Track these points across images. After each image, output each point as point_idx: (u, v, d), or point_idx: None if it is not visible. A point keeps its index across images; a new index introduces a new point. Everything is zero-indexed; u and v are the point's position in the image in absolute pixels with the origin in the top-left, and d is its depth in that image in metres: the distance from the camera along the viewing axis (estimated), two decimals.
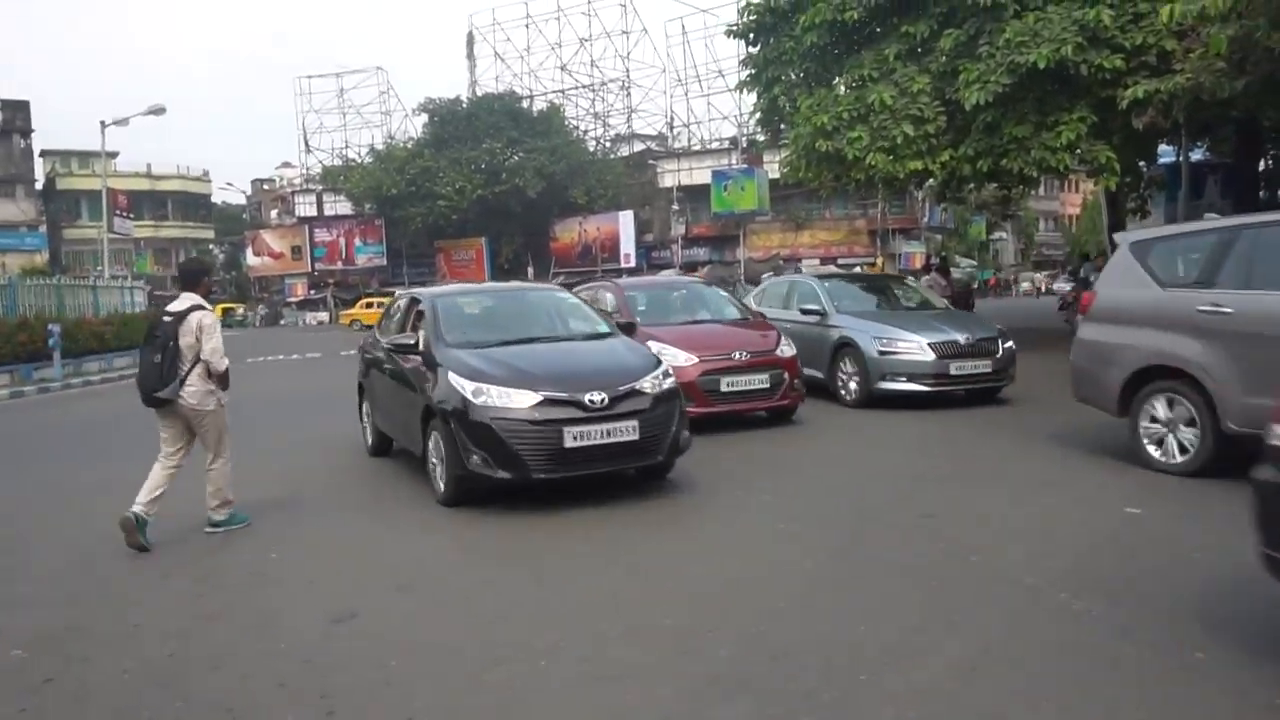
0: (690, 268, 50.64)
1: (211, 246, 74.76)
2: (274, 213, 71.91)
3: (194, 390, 6.10)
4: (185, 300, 6.23)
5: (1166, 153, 24.13)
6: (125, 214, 34.54)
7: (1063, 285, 34.47)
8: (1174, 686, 3.35)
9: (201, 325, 6.10)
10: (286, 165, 72.85)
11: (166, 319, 6.18)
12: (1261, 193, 22.05)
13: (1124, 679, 3.43)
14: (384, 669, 3.80)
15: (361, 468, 8.63)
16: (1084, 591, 4.33)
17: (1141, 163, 21.95)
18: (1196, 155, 23.87)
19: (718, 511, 6.29)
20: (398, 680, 3.69)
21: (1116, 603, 4.18)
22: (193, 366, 6.09)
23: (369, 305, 48.56)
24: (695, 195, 51.12)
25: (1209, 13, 10.02)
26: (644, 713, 3.32)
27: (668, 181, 53.19)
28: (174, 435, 6.26)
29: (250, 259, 65.68)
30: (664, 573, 4.95)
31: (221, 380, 6.22)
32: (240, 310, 62.62)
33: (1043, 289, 58.41)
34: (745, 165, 49.17)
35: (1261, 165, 21.64)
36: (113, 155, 56.34)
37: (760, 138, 34.81)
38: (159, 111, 29.47)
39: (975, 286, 54.44)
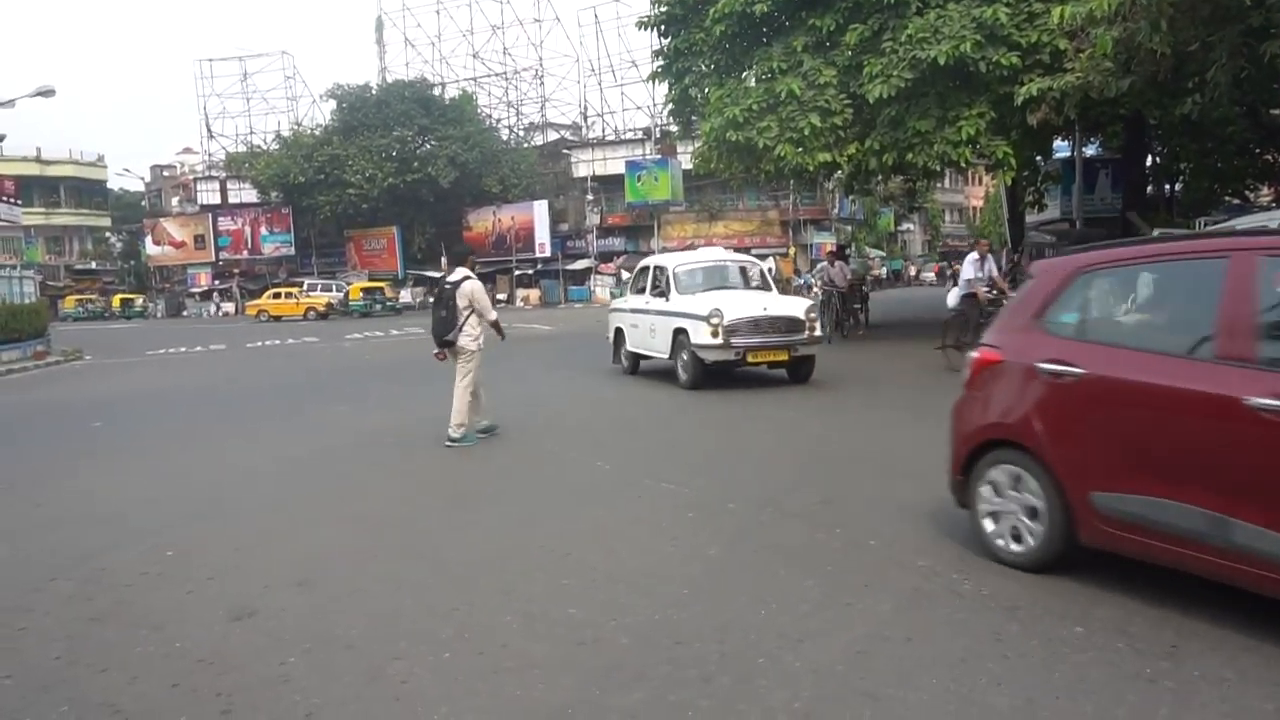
0: (606, 258, 50.74)
1: (108, 234, 71.89)
2: (175, 200, 69.46)
3: (465, 336, 8.59)
4: (459, 273, 8.88)
5: (1061, 148, 25.10)
6: (12, 200, 32.88)
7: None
8: (1053, 659, 3.52)
9: (473, 291, 8.66)
10: (188, 151, 70.51)
11: (447, 287, 8.72)
12: (1150, 187, 23.08)
13: (1007, 653, 3.58)
14: (283, 665, 3.75)
15: (267, 470, 8.45)
16: (974, 572, 4.51)
17: (1038, 157, 22.76)
18: (1090, 151, 24.87)
19: (619, 501, 6.33)
20: (296, 677, 3.65)
21: (1003, 582, 4.36)
22: (466, 319, 8.56)
23: (276, 296, 47.31)
24: (610, 185, 51.13)
25: (1096, 15, 10.44)
26: (544, 703, 3.35)
27: (582, 171, 53.08)
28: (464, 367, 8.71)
29: (150, 248, 63.32)
30: (563, 562, 4.98)
31: (494, 326, 8.90)
32: (140, 301, 60.37)
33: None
34: (659, 156, 49.34)
35: (1149, 160, 22.62)
36: None
37: (673, 128, 35.01)
38: (48, 93, 28.09)
39: (881, 275, 55.76)
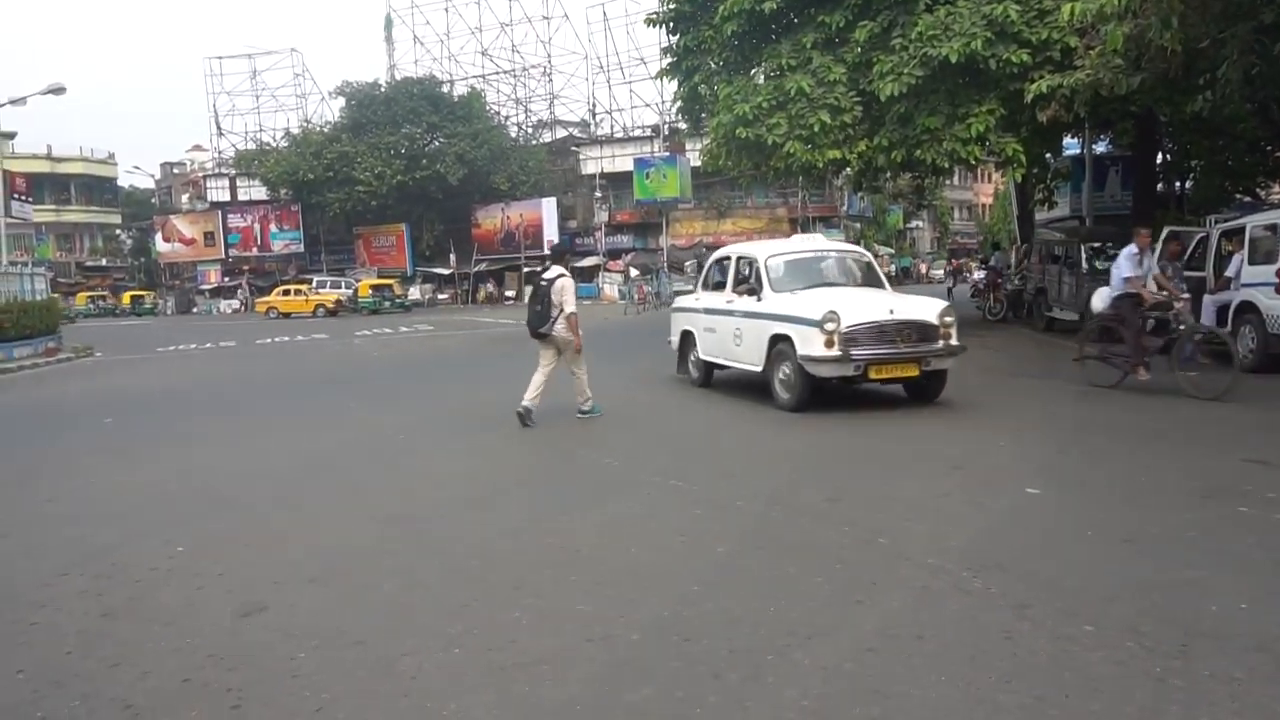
0: (614, 256, 50.73)
1: (118, 231, 72.16)
2: (185, 197, 69.72)
3: (561, 328, 9.18)
4: (554, 270, 9.42)
5: (1071, 145, 25.01)
6: (24, 198, 33.04)
7: (977, 274, 35.33)
8: (1063, 658, 3.51)
9: (564, 287, 9.22)
10: (197, 148, 70.69)
11: (543, 283, 9.34)
12: (1160, 184, 22.98)
13: (1016, 652, 3.58)
14: (293, 661, 3.77)
15: (277, 466, 8.48)
16: (983, 570, 4.50)
17: (1048, 155, 22.69)
18: (1099, 148, 24.78)
19: (627, 498, 6.34)
20: (306, 672, 3.66)
21: (1013, 580, 4.36)
22: (559, 313, 9.17)
23: (286, 293, 47.45)
24: (618, 183, 51.12)
25: (1106, 11, 10.40)
26: (553, 699, 3.35)
27: (590, 169, 53.05)
28: (549, 356, 9.42)
29: (160, 245, 63.54)
30: (573, 559, 4.99)
31: (569, 320, 9.23)
32: (150, 298, 60.59)
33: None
34: (667, 153, 49.31)
35: (1160, 158, 22.52)
36: (9, 136, 53.80)
37: (682, 126, 34.98)
38: (59, 91, 28.25)
39: (890, 273, 55.57)
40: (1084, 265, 16.90)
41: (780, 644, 3.74)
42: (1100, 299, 10.92)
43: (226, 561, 5.18)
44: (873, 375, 9.08)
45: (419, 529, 5.80)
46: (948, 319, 9.32)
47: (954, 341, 9.35)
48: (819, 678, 3.43)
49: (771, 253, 10.60)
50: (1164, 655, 3.50)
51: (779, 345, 9.49)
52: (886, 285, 10.68)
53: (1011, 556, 4.70)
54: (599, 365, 13.21)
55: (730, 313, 10.54)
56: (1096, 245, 17.72)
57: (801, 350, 9.04)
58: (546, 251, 50.69)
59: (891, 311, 9.21)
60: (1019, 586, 4.26)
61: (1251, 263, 11.52)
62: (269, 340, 27.68)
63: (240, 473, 7.92)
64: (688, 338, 11.87)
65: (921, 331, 9.16)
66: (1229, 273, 12.09)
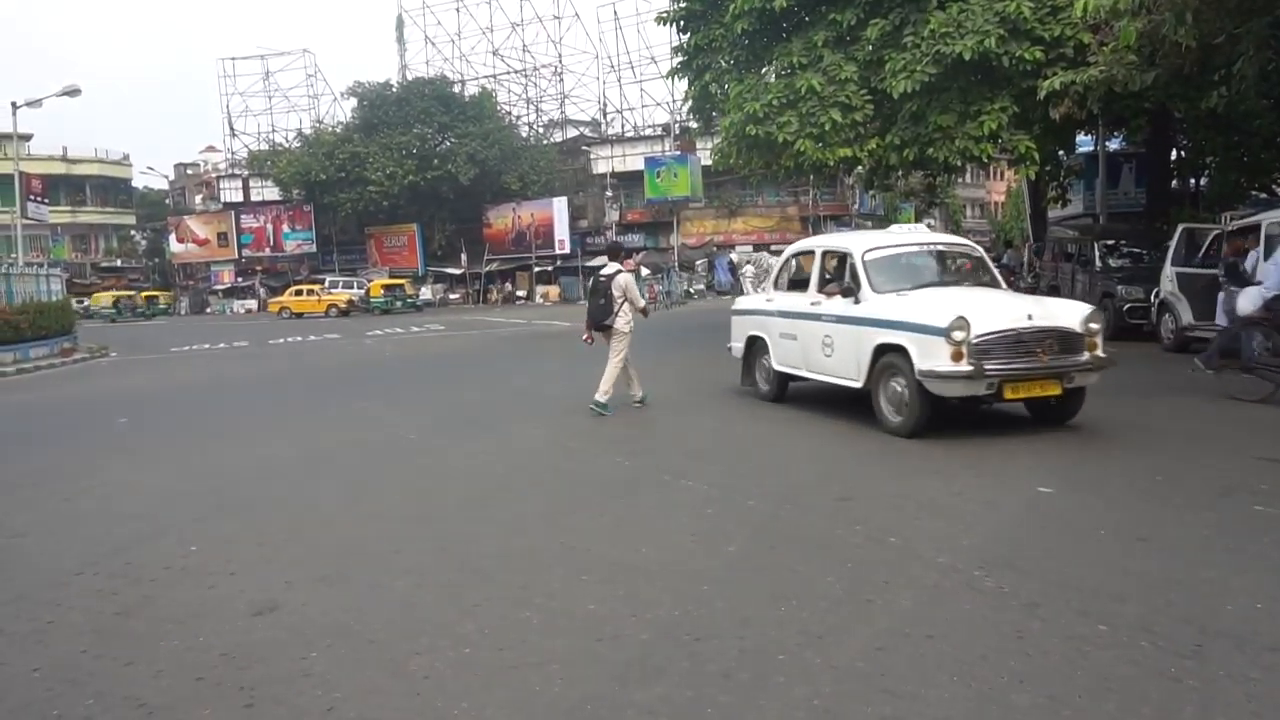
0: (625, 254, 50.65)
1: (133, 232, 72.52)
2: (198, 198, 69.98)
3: (620, 320, 9.79)
4: (612, 267, 10.04)
5: (1085, 142, 24.87)
6: (40, 199, 33.29)
7: None
8: (1076, 658, 3.49)
9: (626, 282, 9.84)
10: (211, 149, 70.90)
11: (602, 279, 9.97)
12: (1174, 181, 22.83)
13: (1028, 651, 3.56)
14: (304, 660, 3.78)
15: (290, 466, 8.51)
16: (995, 569, 4.48)
17: (1060, 152, 22.56)
18: (1113, 145, 24.64)
19: (639, 497, 6.34)
20: (318, 671, 3.67)
21: (1025, 579, 4.34)
22: (620, 306, 9.77)
23: (299, 293, 47.61)
24: (629, 182, 51.10)
25: (1120, 7, 10.34)
26: (564, 698, 3.36)
27: (601, 168, 53.04)
28: (615, 347, 9.89)
29: (174, 245, 63.83)
30: (584, 558, 4.99)
31: (643, 312, 10.10)
32: (164, 298, 60.86)
33: None
34: (678, 152, 49.26)
35: (1173, 154, 22.38)
36: (25, 138, 54.09)
37: (693, 124, 34.95)
38: (74, 93, 28.49)
39: None
40: (1098, 263, 16.81)
41: (791, 643, 3.73)
42: (1250, 300, 9.69)
43: (239, 561, 5.20)
44: (1008, 395, 7.57)
45: (430, 529, 5.81)
46: (1094, 325, 7.87)
47: (1100, 353, 7.86)
48: (830, 677, 3.42)
49: (869, 246, 9.00)
50: (1179, 655, 3.48)
51: (887, 357, 7.99)
52: (1004, 285, 9.39)
53: (1024, 556, 4.68)
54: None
55: (817, 317, 9.07)
56: (1110, 243, 17.64)
57: (921, 364, 7.50)
58: (558, 251, 51.10)
59: (1030, 317, 7.76)
60: (1031, 586, 4.24)
61: (1267, 259, 11.43)
62: (282, 340, 27.79)
63: (252, 473, 7.96)
64: (756, 345, 10.39)
65: (1064, 341, 7.73)
66: (1244, 269, 12.00)
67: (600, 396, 9.71)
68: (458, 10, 57.58)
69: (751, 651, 3.66)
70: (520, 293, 52.90)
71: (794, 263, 10.48)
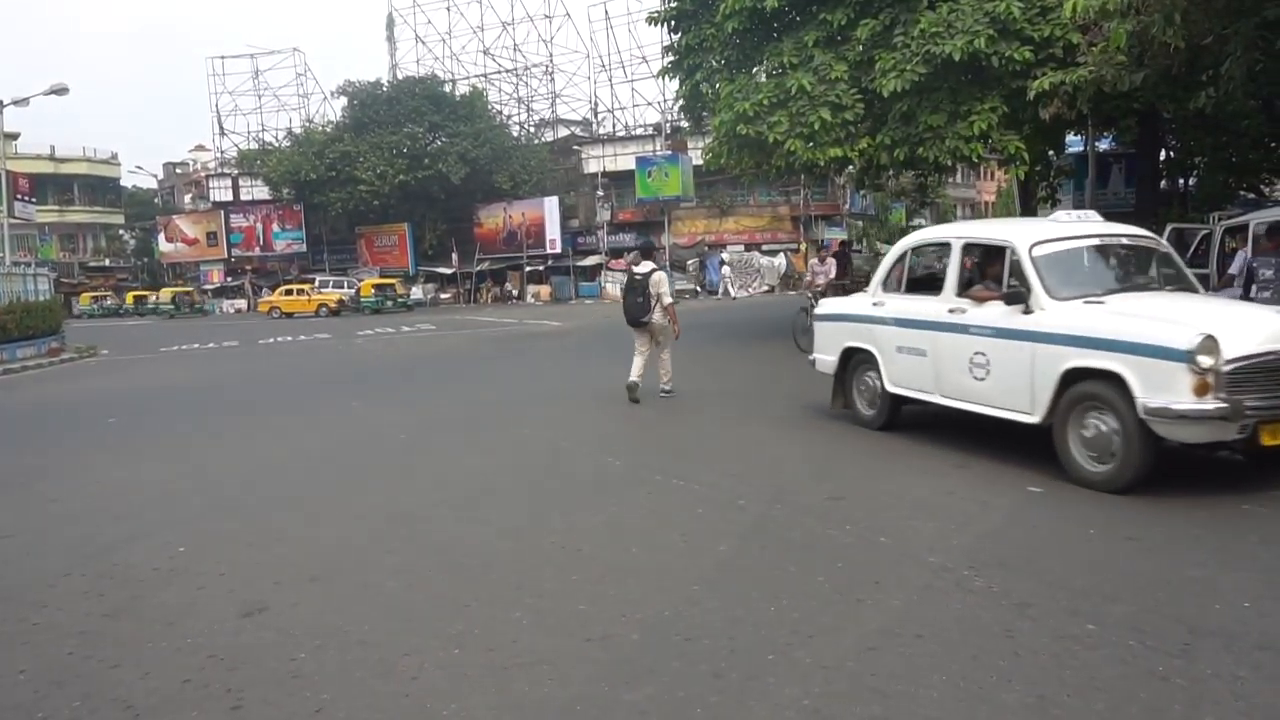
0: (616, 254, 50.71)
1: (121, 231, 72.23)
2: (188, 197, 69.81)
3: (656, 317, 10.35)
4: (646, 265, 10.55)
5: (1074, 143, 24.96)
6: (27, 198, 33.07)
7: None
8: (1065, 657, 3.50)
9: (659, 280, 10.39)
10: (200, 148, 70.73)
11: (638, 277, 10.43)
12: (1163, 181, 22.92)
13: (1018, 651, 3.57)
14: (293, 661, 3.77)
15: (279, 466, 8.47)
16: (985, 568, 4.49)
17: (1050, 152, 22.63)
18: (1102, 145, 24.73)
19: (629, 497, 6.33)
20: (307, 672, 3.66)
21: (1015, 579, 4.35)
22: (655, 303, 10.29)
23: (289, 293, 47.46)
24: (620, 181, 51.07)
25: (1109, 8, 10.37)
26: (554, 699, 3.35)
27: (592, 167, 53.01)
28: (644, 342, 10.61)
29: (163, 245, 63.58)
30: (574, 558, 4.98)
31: (668, 310, 10.36)
32: (153, 298, 60.65)
33: None
34: (669, 152, 49.27)
35: (1163, 154, 22.47)
36: (13, 137, 53.93)
37: (684, 124, 34.96)
38: (61, 91, 28.33)
39: None
40: None
41: (782, 643, 3.73)
42: None
43: (228, 561, 5.18)
44: (1266, 440, 5.61)
45: (420, 528, 5.80)
46: None
47: None
48: (820, 677, 3.42)
49: (1038, 239, 6.97)
50: (1167, 654, 3.49)
51: (1083, 385, 6.13)
52: (1200, 288, 7.46)
53: (1014, 555, 4.69)
54: (610, 364, 13.21)
55: (962, 329, 7.20)
56: None
57: (1149, 398, 5.63)
58: (549, 251, 51.08)
59: None
60: (1021, 585, 4.25)
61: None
62: (272, 340, 27.68)
63: (242, 472, 7.93)
64: (855, 360, 8.57)
65: None
66: (1232, 270, 12.05)
67: (665, 386, 10.75)
68: (448, 9, 57.49)
69: (742, 651, 3.66)
70: (512, 292, 52.86)
71: (910, 258, 8.38)
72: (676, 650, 3.70)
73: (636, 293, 10.45)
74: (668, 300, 10.38)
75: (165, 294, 57.37)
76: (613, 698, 3.34)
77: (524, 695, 3.38)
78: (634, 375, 10.51)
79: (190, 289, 59.03)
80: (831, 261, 16.88)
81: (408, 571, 4.88)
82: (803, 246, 48.60)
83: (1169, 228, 14.36)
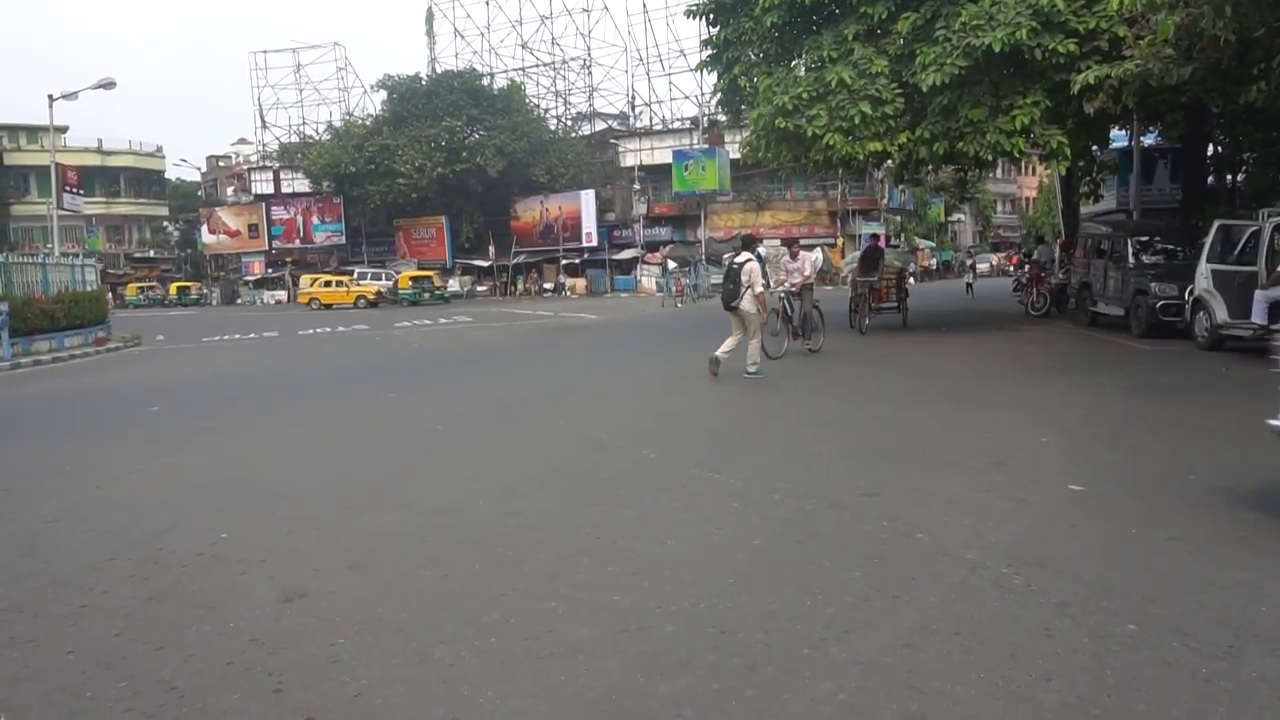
0: (652, 248, 50.68)
1: (165, 223, 73.43)
2: (230, 190, 70.77)
3: (746, 302, 11.19)
4: (744, 255, 11.41)
5: (1118, 137, 24.56)
6: (75, 190, 33.69)
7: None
8: (1105, 657, 3.46)
9: (752, 269, 11.18)
10: (243, 142, 71.77)
11: (734, 266, 11.37)
12: (1210, 177, 22.49)
13: (1057, 650, 3.53)
14: (332, 647, 3.81)
15: (318, 456, 8.57)
16: (1024, 567, 4.44)
17: (1094, 147, 22.28)
18: (1148, 140, 24.30)
19: (664, 489, 6.33)
20: (345, 658, 3.70)
21: (1055, 578, 4.29)
22: (746, 290, 11.13)
23: (326, 284, 48.02)
24: (657, 175, 51.08)
25: (1157, 0, 10.19)
26: (589, 689, 3.37)
27: (629, 161, 53.08)
28: (737, 325, 11.57)
29: (205, 237, 64.64)
30: (609, 550, 4.99)
31: (758, 298, 11.19)
32: (195, 289, 61.67)
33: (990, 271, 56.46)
34: (707, 145, 49.18)
35: (1210, 150, 22.04)
36: (62, 130, 55.00)
37: (721, 118, 34.83)
38: (109, 85, 28.82)
39: (931, 266, 54.92)
40: (1130, 259, 16.60)
41: (817, 638, 3.72)
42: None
43: (268, 549, 5.26)
44: None
45: (457, 519, 5.84)
46: None
47: None
48: (856, 672, 3.41)
49: None
50: (1210, 656, 3.43)
51: None
52: None
53: (1053, 554, 4.64)
54: (645, 357, 13.22)
55: None
56: (1144, 239, 17.41)
57: None
58: (585, 244, 51.21)
59: None
60: (1060, 584, 4.21)
61: None
62: (311, 331, 28.02)
63: (281, 462, 8.04)
64: None
65: None
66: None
67: (750, 368, 11.46)
68: (487, 3, 57.84)
69: (777, 645, 3.66)
70: (547, 285, 53.02)
71: None
72: (711, 643, 3.70)
73: (730, 280, 11.38)
74: (758, 289, 11.18)
75: (172, 289, 60.51)
76: (648, 689, 3.35)
77: (560, 685, 3.40)
78: (720, 351, 11.37)
79: (155, 284, 61.55)
80: (805, 257, 14.99)
81: (444, 561, 4.93)
82: (840, 241, 48.29)
83: (1216, 224, 14.09)
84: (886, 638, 3.71)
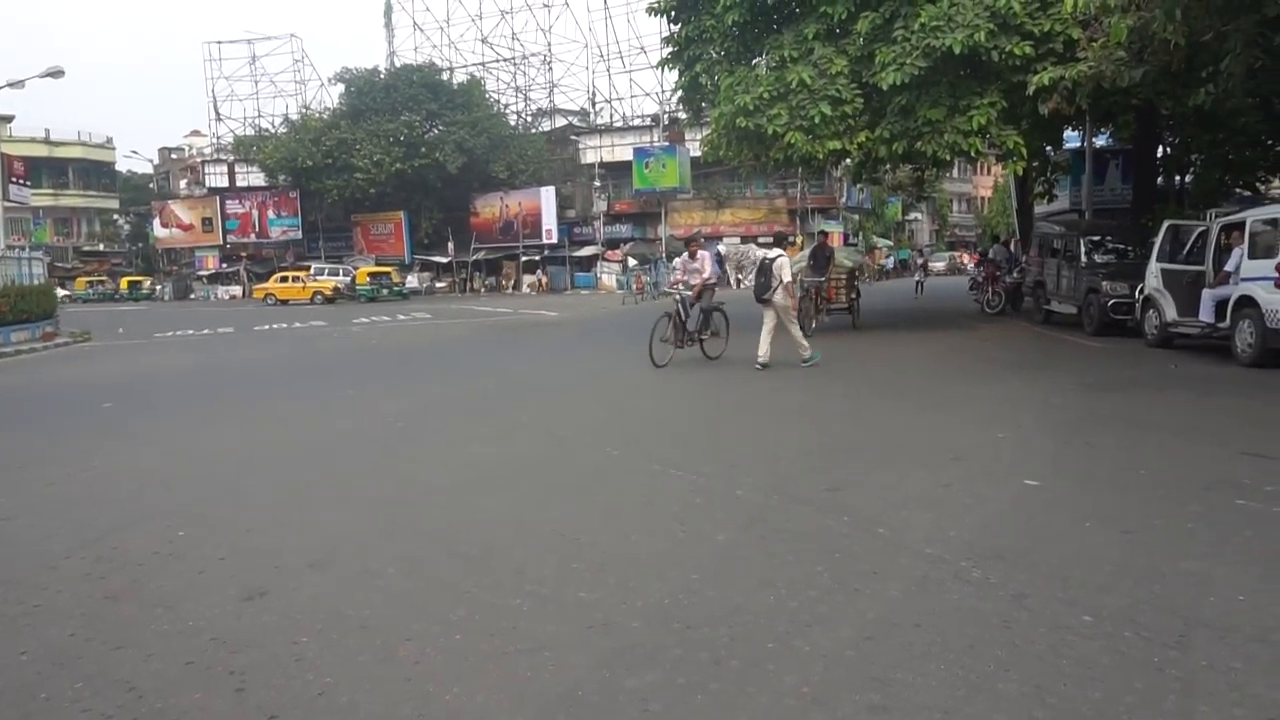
0: (612, 245, 50.66)
1: (116, 216, 72.02)
2: (183, 183, 69.62)
3: (778, 296, 11.95)
4: (775, 251, 12.46)
5: (1072, 138, 25.00)
6: (21, 181, 32.91)
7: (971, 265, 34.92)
8: (1061, 647, 3.53)
9: (783, 263, 11.96)
10: (196, 134, 70.59)
11: (766, 260, 12.15)
12: (1160, 178, 22.97)
13: (1015, 640, 3.60)
14: (295, 645, 3.78)
15: (277, 452, 8.47)
16: (983, 560, 4.52)
17: (1048, 147, 22.66)
18: (1100, 141, 24.76)
19: (628, 486, 6.35)
20: (309, 656, 3.67)
21: (1012, 570, 4.38)
22: (779, 284, 11.88)
23: (284, 279, 47.40)
24: (617, 172, 51.08)
25: (1110, 3, 10.41)
26: (555, 685, 3.37)
27: (590, 158, 53.03)
28: (771, 317, 12.20)
29: (158, 230, 63.44)
30: (574, 546, 5.00)
31: (785, 289, 11.96)
32: (147, 283, 60.53)
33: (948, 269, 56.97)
34: (667, 143, 49.26)
35: (1160, 151, 22.51)
36: (7, 119, 53.70)
37: (682, 115, 34.94)
38: (57, 74, 28.16)
39: (886, 266, 55.45)
40: (1083, 259, 16.92)
41: (781, 631, 3.76)
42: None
43: (227, 546, 5.19)
44: None
45: (420, 515, 5.81)
46: None
47: None
48: (819, 665, 3.45)
49: None
50: (1162, 645, 3.52)
51: None
52: None
53: (1010, 547, 4.72)
54: (606, 354, 13.23)
55: None
56: (1096, 239, 17.74)
57: None
58: (545, 241, 51.07)
59: None
60: (1018, 576, 4.29)
61: (1251, 257, 11.54)
62: (267, 327, 27.65)
63: (239, 458, 7.94)
64: None
65: None
66: (1228, 267, 12.10)
67: (804, 354, 12.11)
68: None
69: (741, 639, 3.69)
70: (505, 282, 52.81)
71: None
72: (677, 638, 3.73)
73: (763, 274, 12.08)
74: (786, 279, 11.90)
75: (123, 283, 59.68)
76: (614, 684, 3.36)
77: (526, 681, 3.40)
78: (762, 355, 11.87)
79: (142, 279, 60.60)
80: (704, 255, 13.51)
81: (408, 558, 4.90)
82: (799, 239, 48.63)
83: (1165, 224, 14.41)
84: (849, 631, 3.76)
